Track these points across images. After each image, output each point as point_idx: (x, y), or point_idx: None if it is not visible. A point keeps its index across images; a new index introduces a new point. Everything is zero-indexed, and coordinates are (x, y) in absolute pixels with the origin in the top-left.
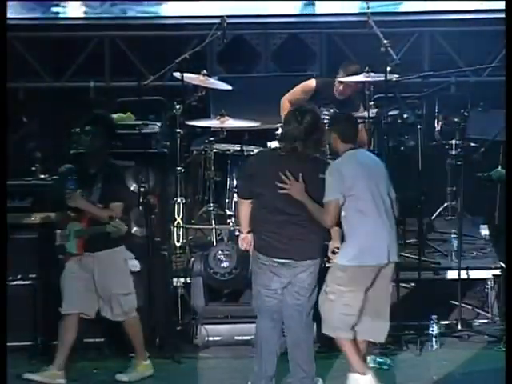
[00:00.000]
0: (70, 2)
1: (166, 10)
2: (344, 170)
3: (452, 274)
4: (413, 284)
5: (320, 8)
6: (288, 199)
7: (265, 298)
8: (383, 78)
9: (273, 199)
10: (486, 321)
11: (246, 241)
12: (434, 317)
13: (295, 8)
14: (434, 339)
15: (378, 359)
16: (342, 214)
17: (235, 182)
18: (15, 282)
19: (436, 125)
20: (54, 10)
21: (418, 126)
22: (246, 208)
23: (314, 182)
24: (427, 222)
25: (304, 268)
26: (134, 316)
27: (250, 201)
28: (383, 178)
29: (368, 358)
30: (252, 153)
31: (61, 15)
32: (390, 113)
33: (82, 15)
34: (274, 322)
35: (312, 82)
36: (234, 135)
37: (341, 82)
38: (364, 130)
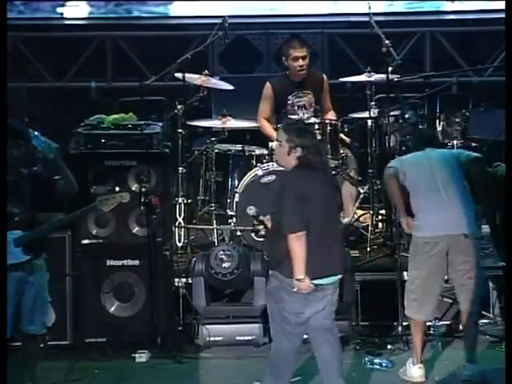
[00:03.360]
0: (74, 2)
1: (169, 10)
2: None
3: None
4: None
5: (322, 7)
6: (324, 216)
7: (294, 324)
8: (385, 78)
9: (315, 218)
10: (487, 321)
11: (308, 287)
12: (436, 317)
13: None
14: (435, 339)
15: (377, 360)
16: None
17: (236, 182)
18: None
19: (437, 125)
20: (59, 10)
21: (420, 126)
22: (303, 244)
23: (336, 189)
24: None
25: (333, 289)
26: (44, 332)
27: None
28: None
29: (367, 358)
30: (253, 153)
31: (65, 15)
32: (391, 113)
33: (87, 15)
34: (298, 344)
35: (267, 85)
36: (235, 135)
37: (292, 59)
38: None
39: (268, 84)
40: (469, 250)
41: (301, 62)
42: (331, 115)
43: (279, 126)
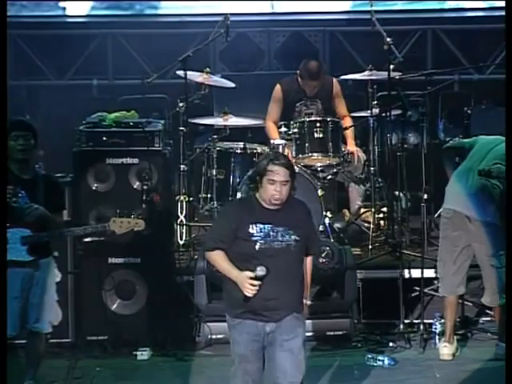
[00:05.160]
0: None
1: (169, 7)
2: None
3: None
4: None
5: (325, 6)
6: None
7: None
8: (386, 76)
9: None
10: (488, 319)
11: None
12: (437, 314)
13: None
14: (437, 337)
15: (378, 357)
16: None
17: (238, 180)
18: None
19: (439, 123)
20: (62, 4)
21: (422, 124)
22: None
23: None
24: (430, 220)
25: None
26: (49, 331)
27: None
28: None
29: (369, 355)
30: (255, 151)
31: (66, 12)
32: (393, 111)
33: (89, 11)
34: None
35: (277, 88)
36: (237, 133)
37: (307, 84)
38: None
39: (278, 86)
40: (476, 236)
41: (314, 85)
42: (348, 122)
43: (270, 162)
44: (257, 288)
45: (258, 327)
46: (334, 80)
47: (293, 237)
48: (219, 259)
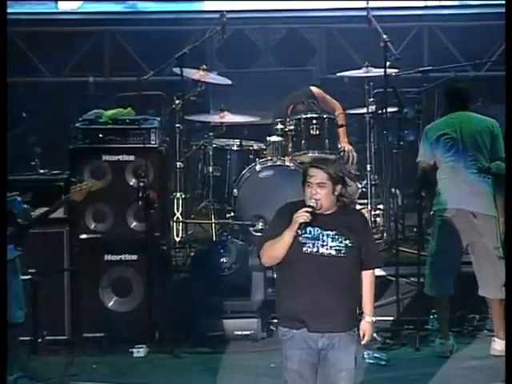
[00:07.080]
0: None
1: (166, 4)
2: None
3: None
4: (412, 279)
5: (320, 3)
6: None
7: None
8: (383, 73)
9: None
10: (484, 315)
11: None
12: (433, 311)
13: None
14: (433, 334)
15: (375, 355)
16: None
17: (234, 177)
18: None
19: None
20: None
21: (418, 121)
22: None
23: None
24: (426, 217)
25: None
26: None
27: None
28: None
29: (365, 353)
30: (251, 148)
31: (58, 5)
32: (389, 108)
33: (80, 5)
34: None
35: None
36: (233, 130)
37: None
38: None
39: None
40: (483, 230)
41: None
42: (341, 119)
43: (309, 165)
44: (309, 211)
45: (311, 341)
46: (312, 88)
47: (344, 242)
48: (269, 243)
